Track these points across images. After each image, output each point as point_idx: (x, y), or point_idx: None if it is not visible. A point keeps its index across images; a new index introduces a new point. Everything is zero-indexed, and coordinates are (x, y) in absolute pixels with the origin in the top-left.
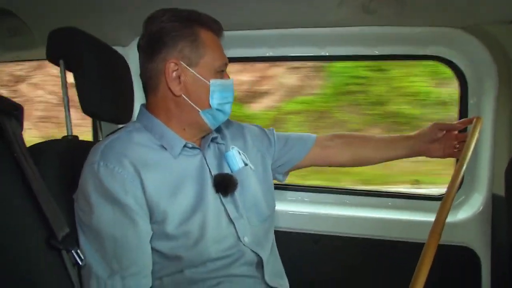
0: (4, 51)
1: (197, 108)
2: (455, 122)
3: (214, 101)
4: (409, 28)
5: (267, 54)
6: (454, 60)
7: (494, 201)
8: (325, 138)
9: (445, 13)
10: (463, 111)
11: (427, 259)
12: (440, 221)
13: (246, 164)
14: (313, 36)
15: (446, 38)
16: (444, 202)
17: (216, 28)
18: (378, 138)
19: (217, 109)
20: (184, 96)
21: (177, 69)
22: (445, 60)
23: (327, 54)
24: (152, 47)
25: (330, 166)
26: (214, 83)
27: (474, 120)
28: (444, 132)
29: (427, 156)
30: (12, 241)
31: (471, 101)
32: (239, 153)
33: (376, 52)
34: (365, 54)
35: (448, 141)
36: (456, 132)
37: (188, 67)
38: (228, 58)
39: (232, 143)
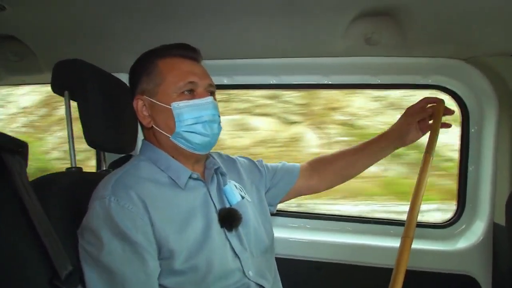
0: (10, 75)
1: (167, 135)
2: (418, 104)
3: (182, 123)
4: (412, 59)
5: (271, 82)
6: (456, 90)
7: (495, 230)
8: (307, 168)
9: (447, 45)
10: (464, 140)
11: (402, 263)
12: (412, 221)
13: (243, 197)
14: (317, 65)
15: (448, 69)
16: (414, 198)
17: (180, 53)
18: (354, 149)
19: (186, 131)
20: (155, 127)
21: (144, 104)
22: (447, 90)
23: (330, 82)
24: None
25: (316, 193)
26: (176, 105)
27: (436, 104)
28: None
29: (404, 146)
30: (14, 282)
31: (472, 129)
32: (236, 186)
33: (379, 81)
34: (368, 83)
35: (421, 121)
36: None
37: (150, 98)
38: (233, 85)
39: (228, 176)
